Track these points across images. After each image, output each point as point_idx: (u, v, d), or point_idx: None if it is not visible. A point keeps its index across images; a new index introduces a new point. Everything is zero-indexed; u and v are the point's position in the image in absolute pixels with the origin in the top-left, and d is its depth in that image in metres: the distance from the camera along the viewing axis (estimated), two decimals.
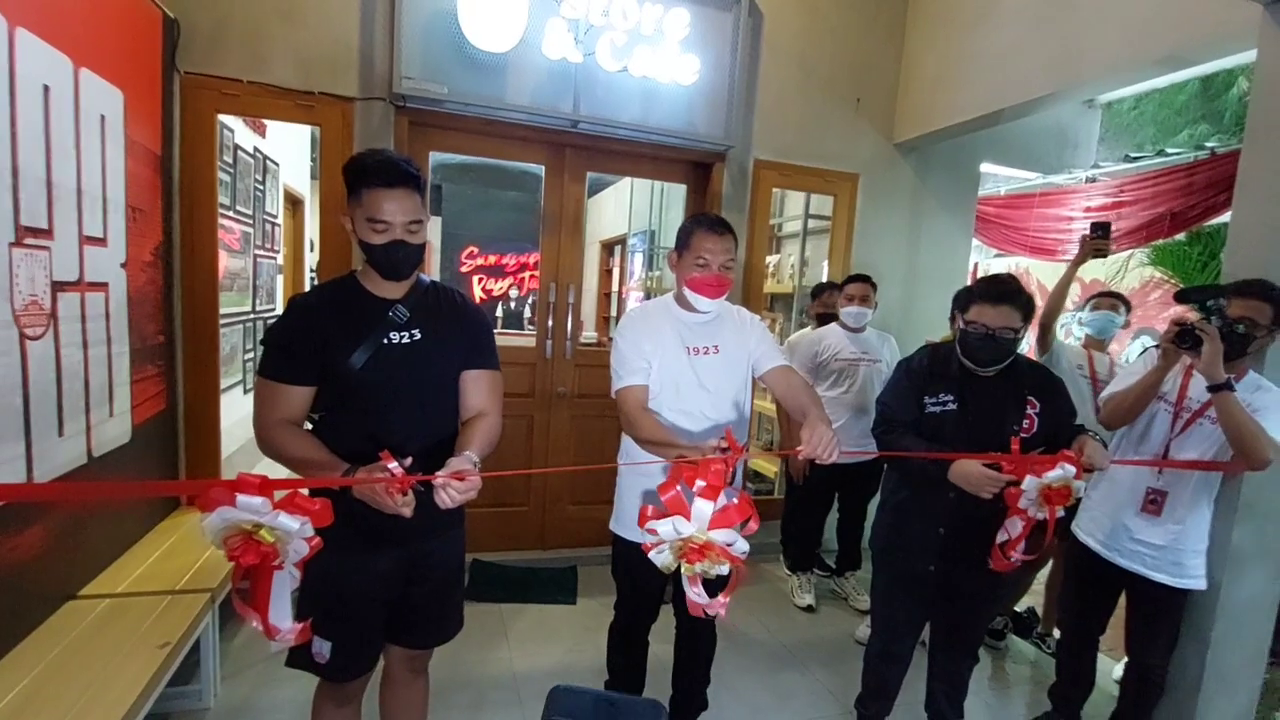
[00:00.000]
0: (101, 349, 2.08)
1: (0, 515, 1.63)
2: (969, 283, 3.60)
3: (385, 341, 1.45)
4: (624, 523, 1.91)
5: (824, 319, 3.33)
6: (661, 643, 2.10)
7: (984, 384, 1.88)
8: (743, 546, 1.30)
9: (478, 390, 1.59)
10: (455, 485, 1.27)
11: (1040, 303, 2.49)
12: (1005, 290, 1.80)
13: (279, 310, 4.96)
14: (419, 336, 1.49)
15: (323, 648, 1.49)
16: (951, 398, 1.89)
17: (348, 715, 1.62)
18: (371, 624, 1.55)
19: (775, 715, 2.42)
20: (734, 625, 2.98)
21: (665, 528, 1.27)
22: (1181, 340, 1.88)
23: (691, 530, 1.26)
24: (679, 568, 1.31)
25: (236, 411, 3.61)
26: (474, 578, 3.19)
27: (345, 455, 1.36)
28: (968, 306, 1.84)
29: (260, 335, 4.42)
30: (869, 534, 2.17)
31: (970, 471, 1.73)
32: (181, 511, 2.71)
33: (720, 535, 1.27)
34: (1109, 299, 2.84)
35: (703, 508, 1.25)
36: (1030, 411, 1.86)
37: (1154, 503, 2.06)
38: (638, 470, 1.88)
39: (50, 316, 1.80)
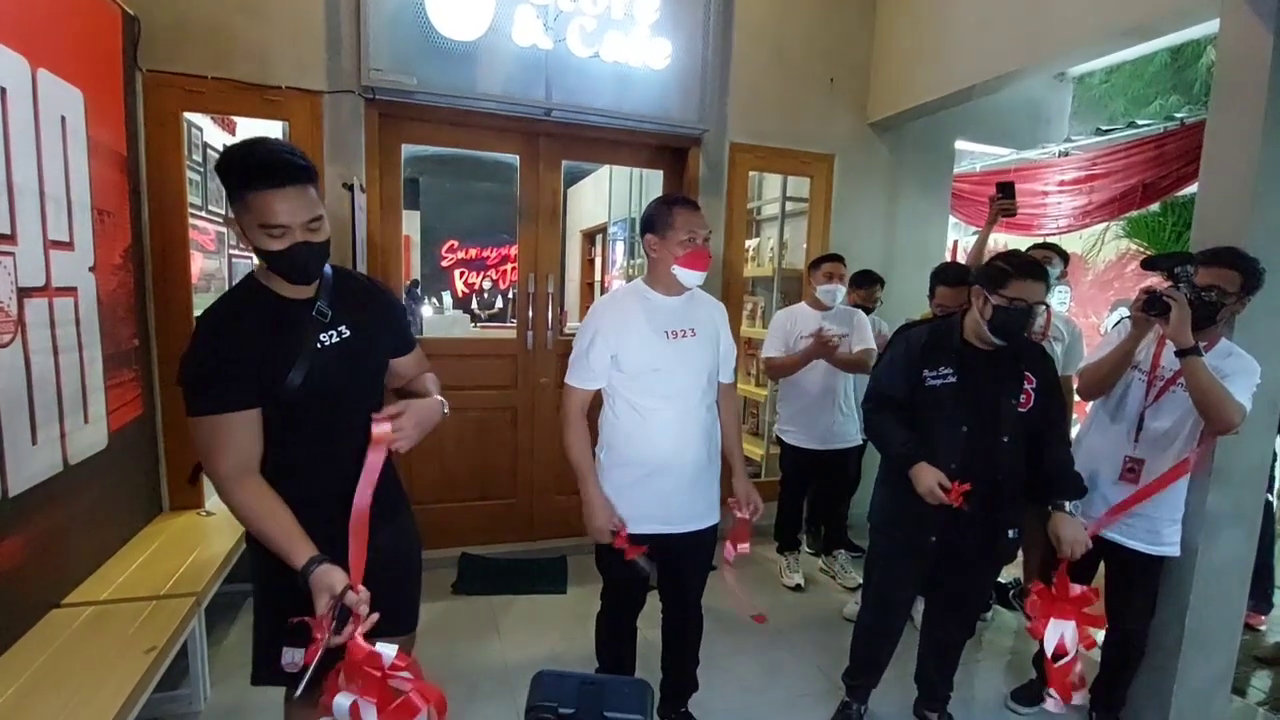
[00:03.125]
0: (73, 355, 2.04)
1: None
2: (948, 260, 3.63)
3: (318, 346, 1.36)
4: None
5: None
6: (650, 627, 2.12)
7: (984, 358, 1.91)
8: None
9: (409, 367, 1.61)
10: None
11: None
12: (1037, 266, 1.84)
13: None
14: (347, 334, 1.41)
15: (295, 656, 1.38)
16: (951, 370, 1.91)
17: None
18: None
19: (766, 693, 2.45)
20: (723, 606, 3.01)
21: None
22: (1150, 307, 1.90)
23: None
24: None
25: None
26: (463, 571, 3.19)
27: (293, 465, 1.36)
28: (1004, 284, 1.80)
29: None
30: (867, 509, 2.21)
31: (921, 479, 1.83)
32: (164, 517, 2.69)
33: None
34: (1042, 250, 2.85)
35: None
36: (1028, 387, 1.90)
37: (1131, 471, 2.09)
38: (620, 462, 1.89)
39: (17, 323, 1.76)
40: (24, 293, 1.79)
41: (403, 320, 1.60)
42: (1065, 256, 2.90)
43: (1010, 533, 1.97)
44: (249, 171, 1.21)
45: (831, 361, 3.02)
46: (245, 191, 1.21)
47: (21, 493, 1.77)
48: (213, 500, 2.91)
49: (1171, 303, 1.84)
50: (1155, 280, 2.10)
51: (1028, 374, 1.90)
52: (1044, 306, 1.84)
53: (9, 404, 1.72)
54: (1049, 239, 3.80)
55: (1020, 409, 1.89)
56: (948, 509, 1.85)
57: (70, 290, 2.04)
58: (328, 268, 1.44)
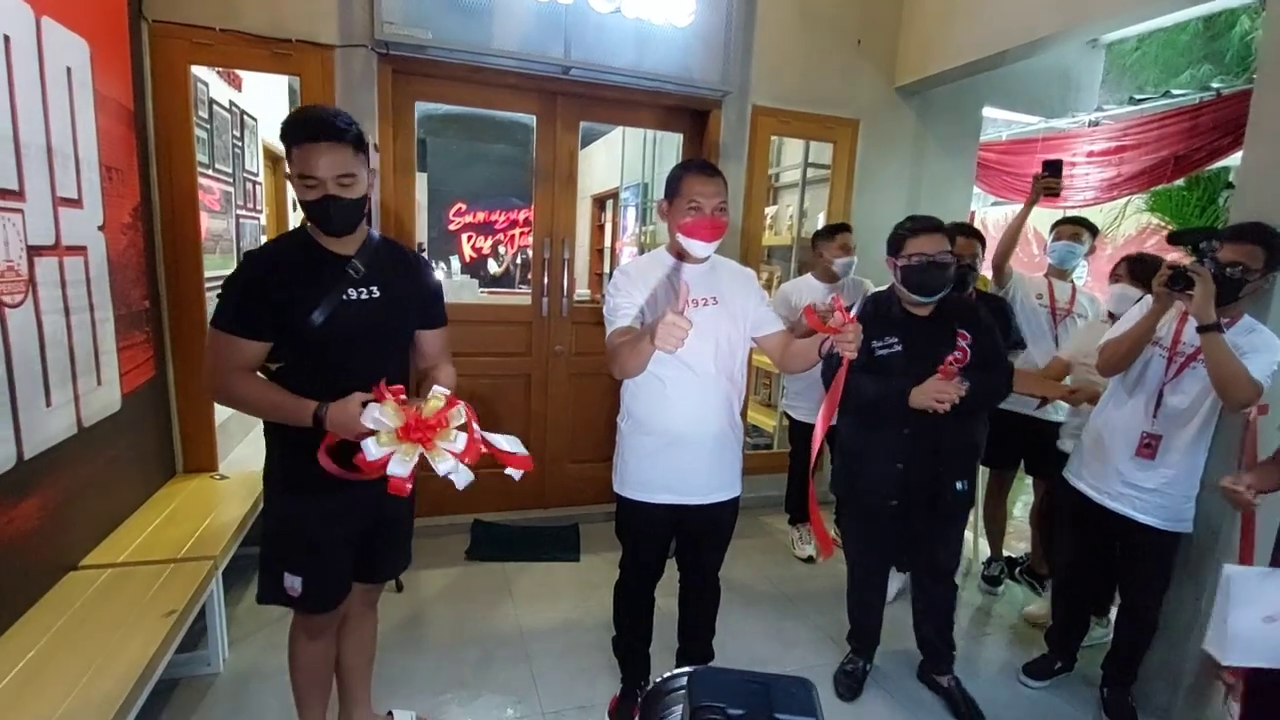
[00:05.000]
0: (84, 315, 2.01)
1: None
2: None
3: (344, 298, 1.48)
4: (627, 483, 1.90)
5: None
6: (664, 595, 2.11)
7: (922, 324, 2.04)
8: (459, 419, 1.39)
9: (434, 345, 1.70)
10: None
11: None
12: (930, 221, 2.01)
13: None
14: (377, 294, 1.52)
15: (294, 582, 1.56)
16: (896, 339, 2.02)
17: (321, 648, 1.70)
18: (339, 561, 1.62)
19: (778, 664, 2.46)
20: (736, 577, 3.03)
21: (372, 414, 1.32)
22: (1174, 283, 1.87)
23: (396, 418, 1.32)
24: None
25: None
26: (476, 537, 3.20)
27: None
28: (902, 245, 1.97)
29: None
30: (829, 481, 2.28)
31: (925, 393, 1.91)
32: (178, 479, 2.68)
33: (439, 392, 1.38)
34: (1070, 226, 2.79)
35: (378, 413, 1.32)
36: (963, 343, 2.03)
37: (1148, 446, 2.08)
38: (641, 431, 1.86)
39: (28, 283, 1.72)
40: (34, 251, 1.75)
41: (435, 297, 1.70)
42: (1095, 231, 2.83)
43: (959, 484, 2.11)
44: (293, 127, 1.39)
45: None
46: (292, 146, 1.39)
47: (37, 455, 1.75)
48: (227, 462, 2.91)
49: (1196, 277, 1.81)
50: (1175, 255, 2.05)
51: (961, 332, 2.03)
52: (949, 255, 1.95)
53: (22, 365, 1.68)
54: (1069, 213, 3.70)
55: (958, 366, 1.99)
56: (906, 471, 2.04)
57: (80, 249, 2.00)
58: (375, 233, 1.59)
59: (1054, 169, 2.70)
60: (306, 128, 1.38)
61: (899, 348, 2.01)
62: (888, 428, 2.05)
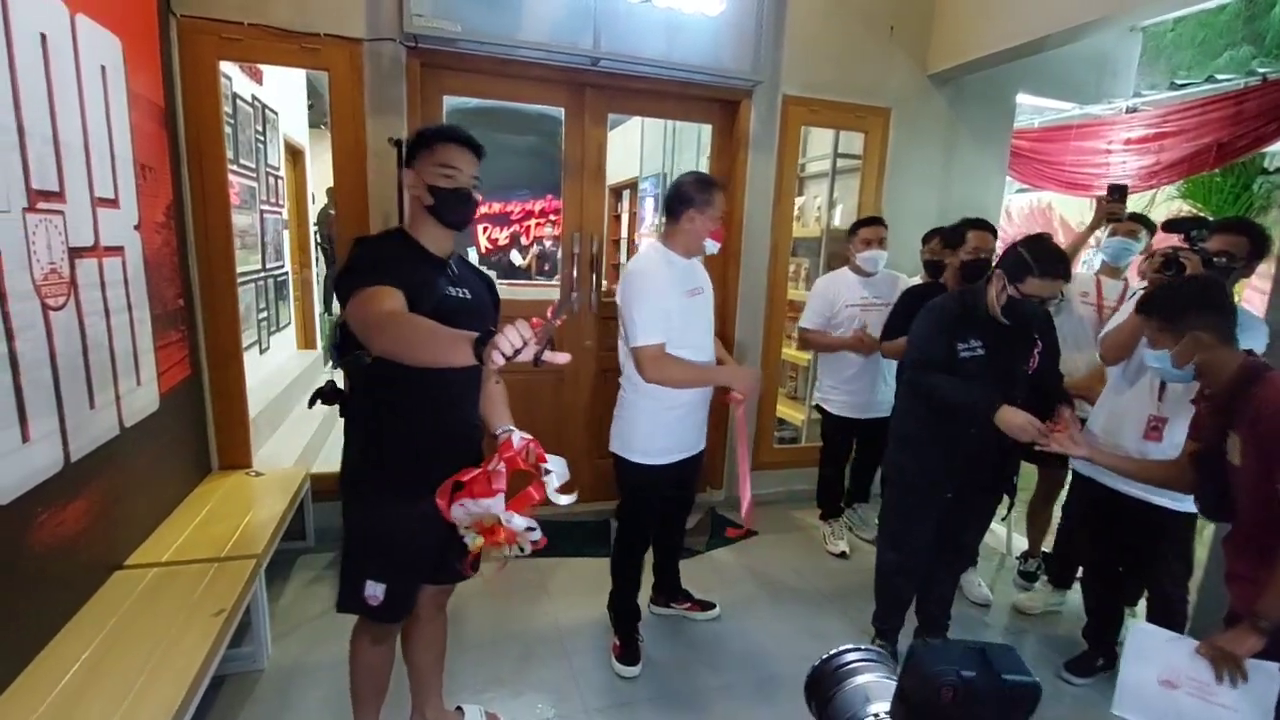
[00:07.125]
0: (123, 316, 2.00)
1: (46, 489, 1.59)
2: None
3: (447, 294, 1.53)
4: (649, 451, 2.18)
5: (933, 267, 2.97)
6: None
7: (1004, 330, 2.06)
8: (534, 536, 1.48)
9: None
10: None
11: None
12: (1062, 261, 1.93)
13: (288, 268, 4.86)
14: (469, 296, 1.59)
15: (377, 590, 1.56)
16: (980, 344, 2.06)
17: (384, 651, 1.70)
18: (423, 566, 1.65)
19: (814, 660, 2.43)
20: (768, 572, 3.02)
21: (458, 512, 1.41)
22: (1166, 267, 1.99)
23: (485, 508, 1.40)
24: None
25: (256, 373, 3.56)
26: None
27: (406, 406, 1.53)
28: (1022, 279, 1.91)
29: (273, 293, 4.34)
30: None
31: (1014, 420, 1.91)
32: (214, 477, 2.69)
33: (520, 522, 1.43)
34: (1127, 223, 2.72)
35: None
36: (1035, 352, 2.09)
37: (1155, 429, 2.15)
38: (662, 405, 2.13)
39: (70, 285, 1.71)
40: (75, 253, 1.74)
41: (498, 306, 1.76)
42: (1152, 228, 2.75)
43: (1014, 478, 2.25)
44: (446, 130, 1.55)
45: (884, 354, 2.93)
46: (436, 143, 1.52)
47: (83, 457, 1.75)
48: (258, 458, 2.91)
49: (1186, 262, 1.94)
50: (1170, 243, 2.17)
51: (1036, 339, 2.10)
52: (1061, 297, 2.05)
53: (67, 368, 1.68)
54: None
55: (1029, 372, 2.09)
56: (965, 465, 2.10)
57: (118, 250, 1.99)
58: None
59: (1119, 192, 2.68)
60: (456, 133, 1.54)
61: (981, 351, 2.05)
62: (959, 422, 2.09)
